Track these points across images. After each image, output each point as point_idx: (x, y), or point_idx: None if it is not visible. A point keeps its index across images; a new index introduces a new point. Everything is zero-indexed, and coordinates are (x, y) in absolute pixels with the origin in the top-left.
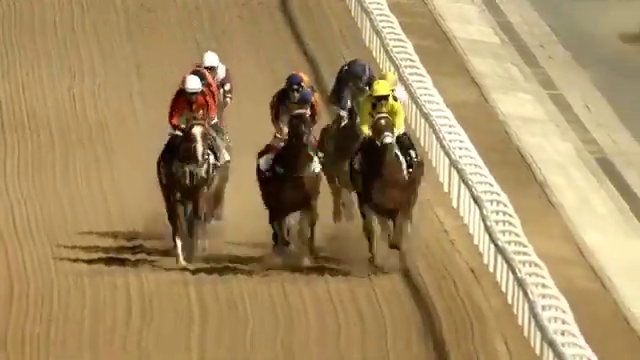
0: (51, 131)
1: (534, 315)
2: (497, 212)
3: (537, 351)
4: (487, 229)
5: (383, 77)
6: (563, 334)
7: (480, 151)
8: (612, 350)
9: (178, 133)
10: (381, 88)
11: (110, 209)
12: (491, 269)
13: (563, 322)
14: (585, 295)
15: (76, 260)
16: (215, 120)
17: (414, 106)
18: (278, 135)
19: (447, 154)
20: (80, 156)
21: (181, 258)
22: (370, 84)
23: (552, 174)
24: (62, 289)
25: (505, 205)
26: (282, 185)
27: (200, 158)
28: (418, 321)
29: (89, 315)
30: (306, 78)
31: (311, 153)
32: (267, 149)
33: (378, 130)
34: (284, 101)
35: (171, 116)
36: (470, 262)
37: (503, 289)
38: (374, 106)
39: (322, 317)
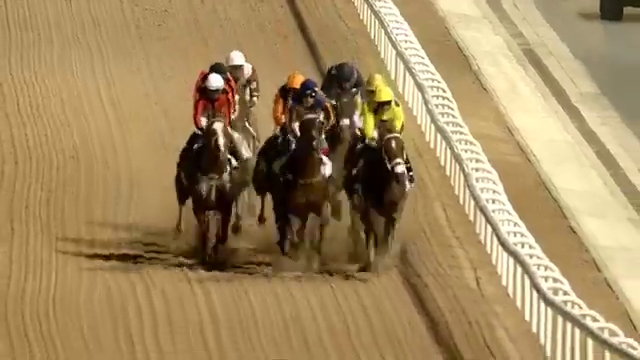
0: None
1: (469, 186)
2: (437, 97)
3: (471, 217)
4: (428, 111)
5: (371, 76)
6: (494, 202)
7: (422, 43)
8: (535, 216)
9: (199, 132)
10: (384, 94)
11: (125, 204)
12: (432, 146)
13: (494, 192)
14: (512, 168)
15: (88, 255)
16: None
17: (365, 4)
18: (287, 133)
19: (394, 46)
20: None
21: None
22: (357, 86)
23: (485, 64)
24: (65, 282)
25: (444, 91)
26: (292, 190)
27: (222, 149)
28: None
29: (95, 311)
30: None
31: (322, 157)
32: (269, 146)
33: (389, 152)
34: (297, 104)
35: (196, 117)
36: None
37: (442, 163)
38: (376, 111)
39: (329, 316)
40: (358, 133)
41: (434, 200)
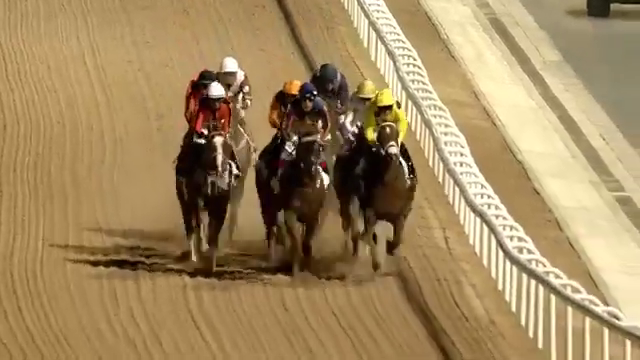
0: (63, 122)
1: (438, 150)
2: (408, 64)
3: (440, 179)
4: (400, 79)
5: (363, 84)
6: (461, 165)
7: (393, 13)
8: (500, 178)
9: (201, 141)
10: (385, 98)
11: (109, 166)
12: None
13: (461, 155)
14: (479, 132)
15: (75, 215)
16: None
17: None
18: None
19: (367, 16)
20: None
21: (194, 257)
22: (341, 89)
23: (453, 33)
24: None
25: (415, 59)
26: (287, 197)
27: (220, 168)
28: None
29: (81, 270)
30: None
31: (319, 171)
32: (266, 154)
33: (382, 139)
34: (296, 108)
35: (197, 124)
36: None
37: (412, 128)
38: (377, 114)
39: (323, 320)
40: (351, 138)
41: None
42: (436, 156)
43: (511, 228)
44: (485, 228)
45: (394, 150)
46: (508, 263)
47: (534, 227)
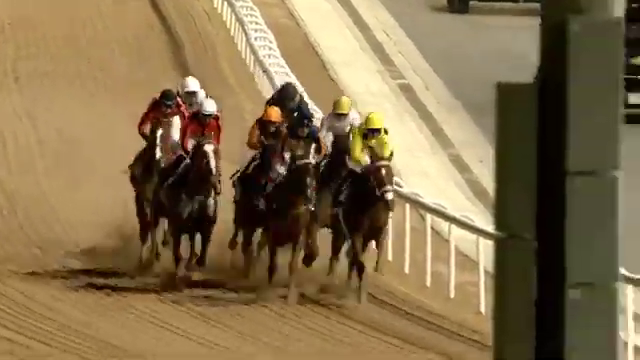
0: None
1: (250, 45)
2: None
3: (251, 69)
4: None
5: (339, 100)
6: (269, 57)
7: None
8: (302, 67)
9: (183, 155)
10: (376, 121)
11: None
12: (219, 11)
13: (270, 49)
14: (285, 29)
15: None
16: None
17: None
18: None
19: None
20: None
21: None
22: (300, 107)
23: None
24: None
25: None
26: (274, 219)
27: (214, 171)
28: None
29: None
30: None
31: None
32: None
33: (379, 180)
34: (292, 134)
35: (183, 139)
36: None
37: (228, 26)
38: (365, 136)
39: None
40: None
41: (221, 56)
42: (248, 49)
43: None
44: None
45: (390, 196)
46: None
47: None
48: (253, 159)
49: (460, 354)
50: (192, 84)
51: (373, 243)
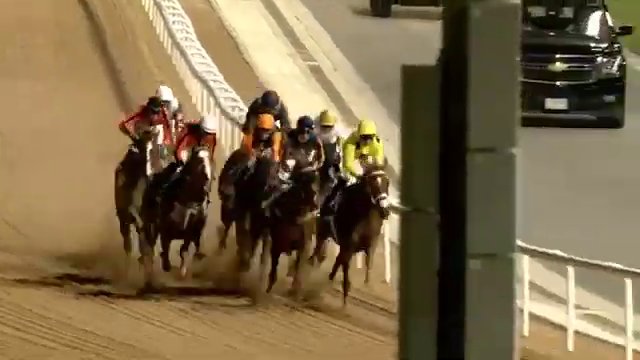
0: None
1: (168, 29)
2: None
3: (169, 51)
4: None
5: (325, 113)
6: (186, 40)
7: None
8: (217, 50)
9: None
10: (368, 128)
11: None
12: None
13: (187, 32)
14: (201, 14)
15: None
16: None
17: None
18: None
19: None
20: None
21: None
22: (282, 115)
23: None
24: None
25: None
26: (279, 227)
27: (209, 177)
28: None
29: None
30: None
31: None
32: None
33: (374, 189)
34: (293, 140)
35: (178, 150)
36: None
37: (146, 10)
38: (358, 145)
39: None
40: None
41: (139, 38)
42: (166, 32)
43: (226, 90)
44: (205, 91)
45: (385, 204)
46: (224, 118)
47: (244, 90)
48: (246, 168)
49: None
50: (165, 93)
51: (360, 255)
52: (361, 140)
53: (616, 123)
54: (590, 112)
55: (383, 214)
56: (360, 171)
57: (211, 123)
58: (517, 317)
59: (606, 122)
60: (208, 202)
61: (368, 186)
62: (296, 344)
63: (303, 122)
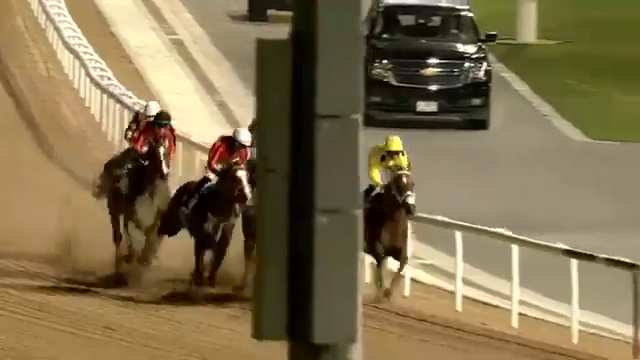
0: None
1: (41, 4)
2: None
3: (43, 26)
4: None
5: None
6: (59, 15)
7: None
8: (86, 24)
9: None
10: (394, 144)
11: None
12: None
13: (58, 8)
14: None
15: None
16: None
17: None
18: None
19: None
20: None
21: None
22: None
23: None
24: None
25: None
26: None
27: (249, 198)
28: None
29: None
30: None
31: None
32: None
33: (401, 187)
34: None
35: (212, 160)
36: None
37: None
38: (383, 158)
39: None
40: None
41: (16, 14)
42: (40, 8)
43: (96, 62)
44: (77, 62)
45: (412, 200)
46: (94, 87)
47: (113, 61)
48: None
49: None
50: (154, 108)
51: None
52: (387, 155)
53: (482, 124)
54: (458, 114)
55: (410, 210)
56: (383, 180)
57: (245, 136)
58: (361, 266)
59: (473, 124)
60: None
61: (394, 186)
62: None
63: None
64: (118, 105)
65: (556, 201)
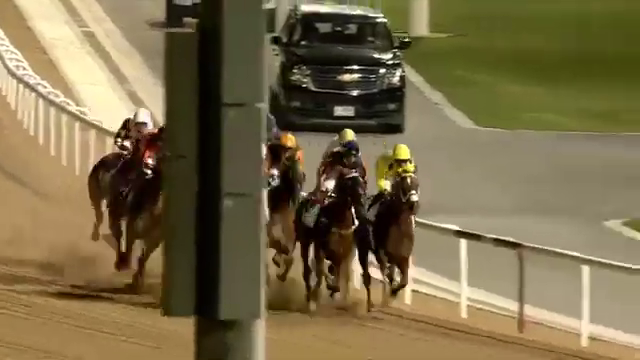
0: None
1: None
2: None
3: None
4: None
5: (344, 131)
6: None
7: None
8: (5, 20)
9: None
10: (403, 152)
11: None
12: None
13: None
14: None
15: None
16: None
17: None
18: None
19: None
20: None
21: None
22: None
23: None
24: None
25: None
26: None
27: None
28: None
29: None
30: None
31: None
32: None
33: (405, 187)
34: (336, 161)
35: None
36: None
37: None
38: (391, 166)
39: None
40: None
41: None
42: None
43: (11, 52)
44: None
45: (415, 198)
46: (11, 78)
47: (28, 52)
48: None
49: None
50: (143, 115)
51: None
52: (395, 163)
53: (397, 129)
54: (374, 119)
55: (413, 208)
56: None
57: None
58: (264, 248)
59: (388, 128)
60: None
61: (399, 187)
62: None
63: (349, 145)
64: (33, 94)
65: (448, 186)
